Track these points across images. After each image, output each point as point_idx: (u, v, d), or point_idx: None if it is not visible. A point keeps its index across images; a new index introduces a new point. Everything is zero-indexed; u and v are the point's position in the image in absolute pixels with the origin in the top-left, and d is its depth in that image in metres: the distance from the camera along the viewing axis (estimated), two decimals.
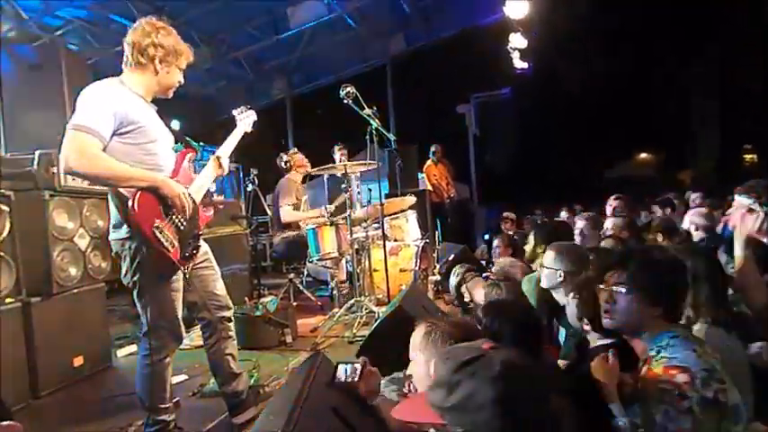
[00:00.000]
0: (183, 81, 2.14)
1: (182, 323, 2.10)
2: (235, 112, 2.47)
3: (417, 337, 1.54)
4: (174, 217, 1.95)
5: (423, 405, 0.97)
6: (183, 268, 2.02)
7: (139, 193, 1.87)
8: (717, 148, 14.59)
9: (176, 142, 2.25)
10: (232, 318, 2.29)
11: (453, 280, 3.10)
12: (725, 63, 13.67)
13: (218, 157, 2.26)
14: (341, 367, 1.62)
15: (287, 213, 4.60)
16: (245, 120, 2.45)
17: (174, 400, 2.25)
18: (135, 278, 1.96)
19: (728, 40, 13.07)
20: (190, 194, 2.03)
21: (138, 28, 2.00)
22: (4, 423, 1.59)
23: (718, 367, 1.26)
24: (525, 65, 8.21)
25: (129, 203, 1.85)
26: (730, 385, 1.26)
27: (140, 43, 1.97)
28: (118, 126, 1.89)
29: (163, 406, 2.07)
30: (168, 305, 2.02)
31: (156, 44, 1.97)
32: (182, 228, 1.98)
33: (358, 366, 1.59)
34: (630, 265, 1.49)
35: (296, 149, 4.97)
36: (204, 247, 2.22)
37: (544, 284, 2.34)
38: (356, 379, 1.56)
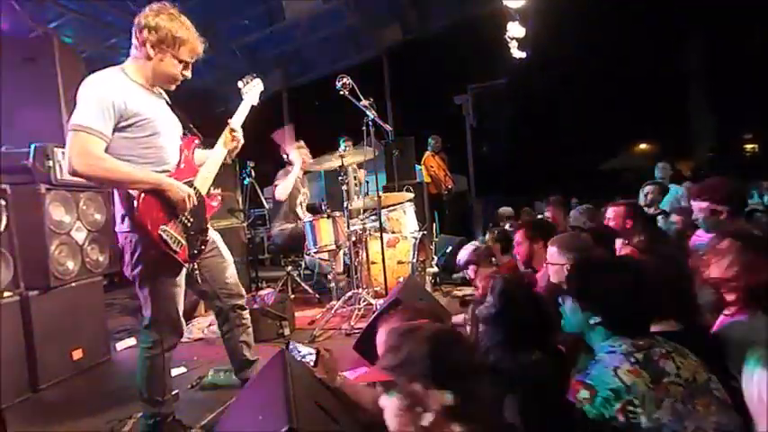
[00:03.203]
0: (188, 75, 2.01)
1: (182, 317, 2.10)
2: (240, 84, 2.36)
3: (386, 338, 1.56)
4: (180, 216, 1.93)
5: (375, 370, 1.23)
6: (188, 265, 2.01)
7: (144, 195, 1.84)
8: (714, 138, 14.59)
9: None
10: (245, 305, 2.29)
11: (466, 254, 3.11)
12: (722, 52, 13.62)
13: (231, 129, 2.17)
14: (292, 345, 1.72)
15: (278, 190, 4.55)
16: (251, 92, 2.36)
17: (173, 393, 2.26)
18: (135, 271, 1.97)
19: (726, 30, 13.02)
20: (197, 192, 2.00)
21: (144, 10, 1.90)
22: None
23: (641, 388, 1.23)
24: (523, 54, 8.16)
25: (135, 204, 1.83)
26: (650, 407, 1.22)
27: (139, 25, 1.88)
28: (118, 120, 1.83)
29: (160, 399, 2.07)
30: (169, 300, 2.01)
31: (151, 27, 1.86)
32: (189, 225, 1.96)
33: (313, 351, 1.68)
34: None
35: (302, 143, 4.84)
36: (213, 236, 2.20)
37: (554, 280, 2.35)
38: (313, 364, 1.67)
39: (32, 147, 2.80)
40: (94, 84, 1.83)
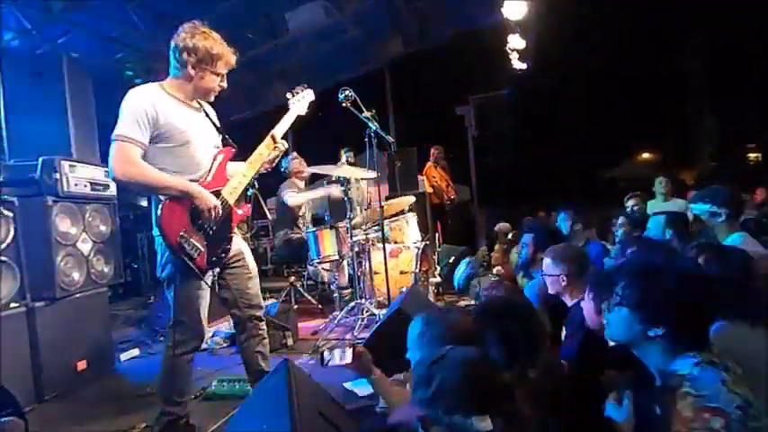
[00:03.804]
0: (225, 85, 2.13)
1: (204, 322, 2.15)
2: (288, 95, 2.45)
3: (412, 334, 1.64)
4: (202, 223, 2.00)
5: (410, 407, 1.19)
6: (207, 272, 2.06)
7: (167, 201, 1.94)
8: (717, 147, 14.57)
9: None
10: (263, 317, 2.34)
11: (464, 270, 3.09)
12: (725, 56, 13.63)
13: (272, 136, 2.25)
14: (327, 354, 1.79)
15: (292, 196, 4.61)
16: (299, 102, 2.44)
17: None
18: (163, 273, 2.08)
19: (727, 33, 13.03)
20: (225, 201, 2.07)
21: (179, 32, 2.02)
22: (7, 418, 1.62)
23: (749, 396, 1.11)
24: (524, 66, 8.23)
25: (159, 211, 1.93)
26: (760, 412, 1.12)
27: (177, 48, 2.01)
28: (151, 129, 1.96)
29: (177, 399, 2.13)
30: (191, 303, 2.08)
31: (189, 49, 1.99)
32: (210, 233, 2.03)
33: (348, 350, 1.75)
34: (623, 277, 1.33)
35: (295, 154, 4.96)
36: (241, 246, 2.27)
37: (551, 291, 2.35)
38: (347, 361, 1.73)
39: (40, 160, 2.85)
40: (131, 97, 1.98)
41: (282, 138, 2.33)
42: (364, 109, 3.59)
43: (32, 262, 2.70)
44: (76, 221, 3.00)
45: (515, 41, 7.40)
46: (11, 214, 2.61)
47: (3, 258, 2.55)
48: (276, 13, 6.78)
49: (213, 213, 2.00)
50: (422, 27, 8.29)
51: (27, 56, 4.17)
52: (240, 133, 2.35)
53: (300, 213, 4.77)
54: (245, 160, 2.25)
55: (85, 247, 3.05)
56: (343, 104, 3.52)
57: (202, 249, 2.00)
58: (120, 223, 3.40)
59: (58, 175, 2.85)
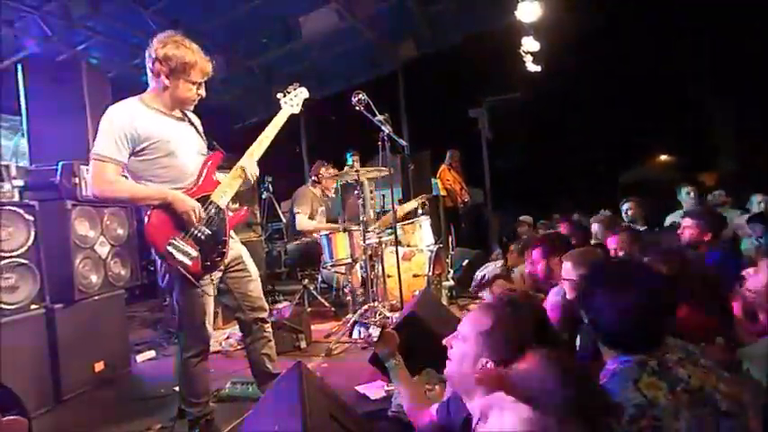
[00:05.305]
0: (203, 94, 2.12)
1: (208, 327, 2.16)
2: (279, 95, 2.42)
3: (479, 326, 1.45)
4: (192, 229, 2.00)
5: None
6: (204, 277, 2.06)
7: (152, 211, 1.97)
8: (737, 148, 14.24)
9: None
10: (267, 319, 2.35)
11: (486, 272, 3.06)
12: (743, 61, 13.35)
13: (242, 168, 2.19)
14: (356, 329, 1.87)
15: (301, 221, 4.66)
16: (292, 101, 2.42)
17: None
18: (164, 283, 2.12)
19: (745, 37, 12.76)
20: (215, 205, 2.08)
21: (152, 43, 2.03)
22: (11, 417, 1.63)
23: (662, 402, 1.20)
24: (538, 68, 8.17)
25: (146, 220, 1.96)
26: (669, 419, 1.18)
27: (151, 58, 2.01)
28: (132, 146, 1.98)
29: (193, 400, 2.17)
30: (194, 308, 2.10)
31: (161, 59, 1.99)
32: (203, 237, 2.02)
33: (376, 330, 1.82)
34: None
35: (328, 166, 4.97)
36: (240, 250, 2.28)
37: (569, 296, 2.30)
38: (375, 340, 1.79)
39: (60, 164, 2.91)
40: (109, 115, 2.01)
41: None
42: (377, 112, 3.59)
43: (52, 264, 2.75)
44: (95, 225, 3.05)
45: (529, 44, 7.35)
46: (31, 218, 2.66)
47: (23, 261, 2.60)
48: (290, 17, 6.83)
49: (194, 216, 1.99)
50: (434, 29, 8.28)
51: (48, 62, 4.27)
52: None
53: (316, 216, 4.80)
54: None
55: (103, 250, 3.10)
56: (357, 108, 3.52)
57: (195, 255, 1.99)
58: (137, 226, 3.45)
59: (77, 180, 2.90)
